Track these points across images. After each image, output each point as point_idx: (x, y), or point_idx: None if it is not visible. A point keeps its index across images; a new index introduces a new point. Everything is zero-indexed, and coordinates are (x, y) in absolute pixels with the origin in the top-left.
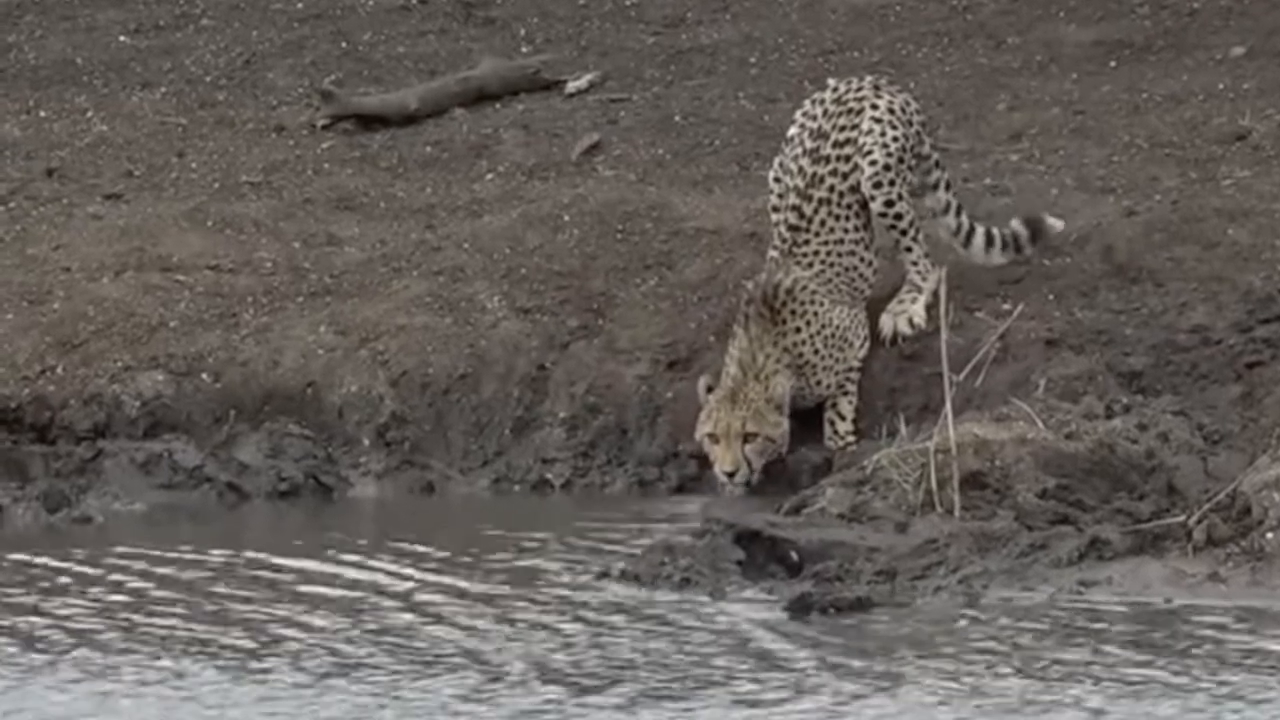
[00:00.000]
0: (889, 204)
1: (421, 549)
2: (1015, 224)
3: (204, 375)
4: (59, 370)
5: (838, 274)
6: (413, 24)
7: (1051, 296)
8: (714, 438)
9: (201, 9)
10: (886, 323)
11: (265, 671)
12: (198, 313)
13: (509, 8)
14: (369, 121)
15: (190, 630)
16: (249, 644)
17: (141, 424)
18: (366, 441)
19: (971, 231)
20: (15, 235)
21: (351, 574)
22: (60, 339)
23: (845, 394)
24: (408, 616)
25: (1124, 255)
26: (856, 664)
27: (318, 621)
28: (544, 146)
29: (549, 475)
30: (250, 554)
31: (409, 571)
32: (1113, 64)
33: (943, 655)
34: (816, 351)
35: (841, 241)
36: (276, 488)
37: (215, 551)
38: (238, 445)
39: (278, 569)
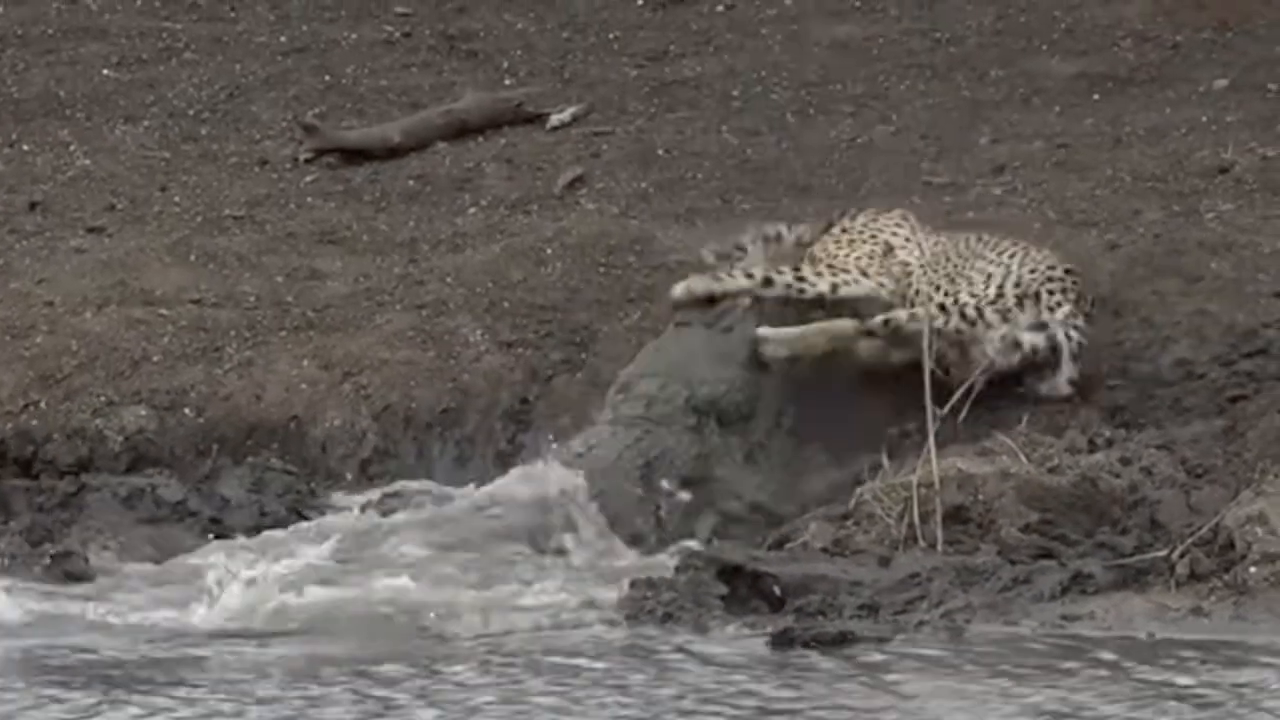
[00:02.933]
0: None
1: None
2: None
3: (187, 410)
4: (42, 404)
5: None
6: (396, 57)
7: None
8: None
9: (185, 42)
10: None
11: None
12: (180, 347)
13: (492, 41)
14: (352, 155)
15: None
16: None
17: (124, 459)
18: (350, 475)
19: None
20: None
21: None
22: (43, 373)
23: None
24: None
25: (1106, 289)
26: (839, 699)
27: None
28: (527, 180)
29: None
30: None
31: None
32: (1095, 97)
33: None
34: None
35: None
36: (259, 522)
37: None
38: (220, 479)
39: None
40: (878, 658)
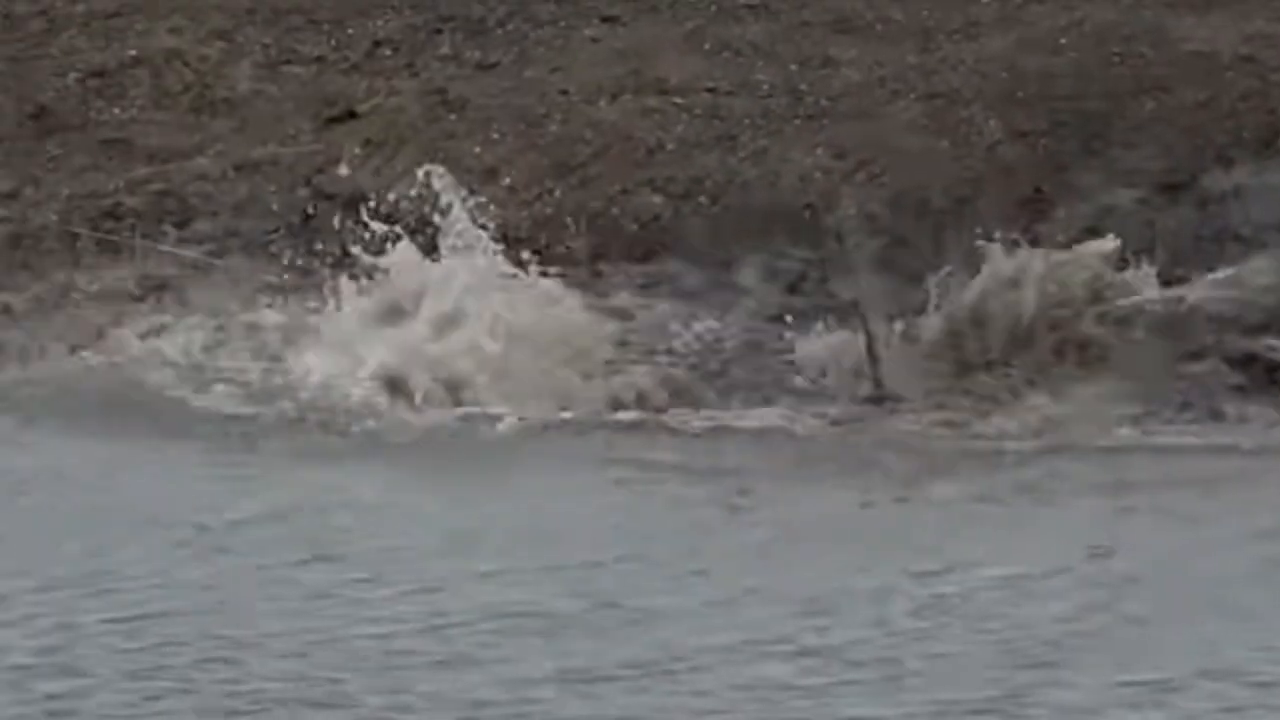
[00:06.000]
0: None
1: None
2: None
3: (701, 198)
4: (556, 193)
5: None
6: None
7: None
8: None
9: None
10: None
11: None
12: (695, 135)
13: None
14: None
15: None
16: None
17: (639, 246)
18: None
19: None
20: (514, 58)
21: None
22: (557, 161)
23: None
24: None
25: None
26: None
27: None
28: None
29: None
30: None
31: None
32: None
33: None
34: None
35: None
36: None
37: None
38: (737, 267)
39: None
40: None
